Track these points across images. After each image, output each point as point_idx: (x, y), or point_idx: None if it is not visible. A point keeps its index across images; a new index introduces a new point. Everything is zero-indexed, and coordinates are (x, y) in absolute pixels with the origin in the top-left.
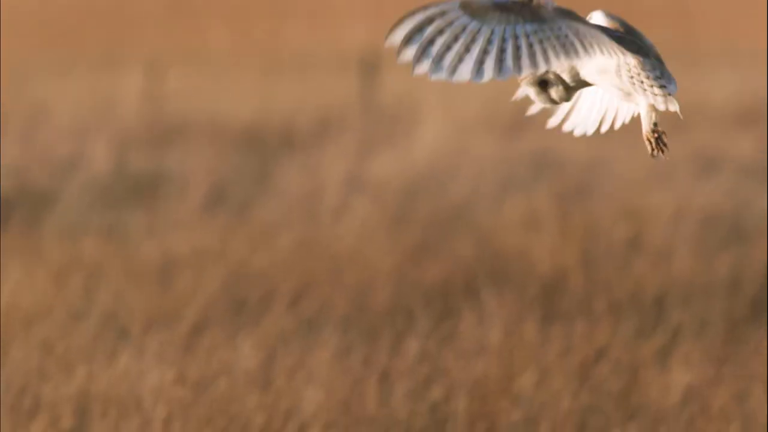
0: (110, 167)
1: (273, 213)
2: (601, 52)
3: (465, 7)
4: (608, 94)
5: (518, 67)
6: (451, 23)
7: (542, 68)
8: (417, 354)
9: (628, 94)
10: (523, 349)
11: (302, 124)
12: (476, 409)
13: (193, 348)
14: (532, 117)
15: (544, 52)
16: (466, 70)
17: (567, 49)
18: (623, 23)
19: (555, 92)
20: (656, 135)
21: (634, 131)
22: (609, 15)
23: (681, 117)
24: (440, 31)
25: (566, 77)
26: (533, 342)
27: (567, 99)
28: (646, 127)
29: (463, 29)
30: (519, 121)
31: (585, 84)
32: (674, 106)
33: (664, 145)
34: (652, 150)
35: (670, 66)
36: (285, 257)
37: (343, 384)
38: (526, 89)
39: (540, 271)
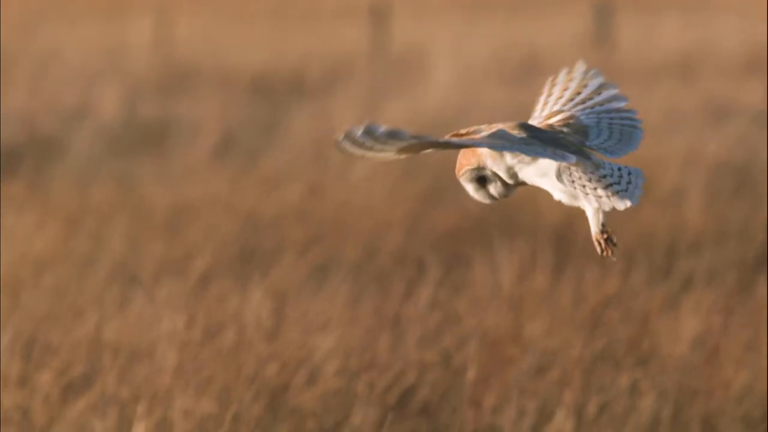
0: (120, 115)
1: (283, 161)
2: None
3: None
4: (554, 194)
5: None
6: None
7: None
8: (428, 301)
9: (571, 199)
10: (534, 296)
11: (312, 71)
12: (487, 356)
13: (204, 295)
14: (542, 64)
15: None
16: None
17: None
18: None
19: (494, 188)
20: (605, 236)
21: (645, 79)
22: (517, 126)
23: (631, 206)
24: None
25: (504, 176)
26: (544, 289)
27: (506, 195)
28: (594, 229)
29: None
30: (529, 69)
31: (523, 182)
32: (622, 204)
33: (614, 245)
34: (602, 251)
35: (677, 16)
36: (295, 205)
37: (354, 332)
38: (465, 185)
39: (550, 218)
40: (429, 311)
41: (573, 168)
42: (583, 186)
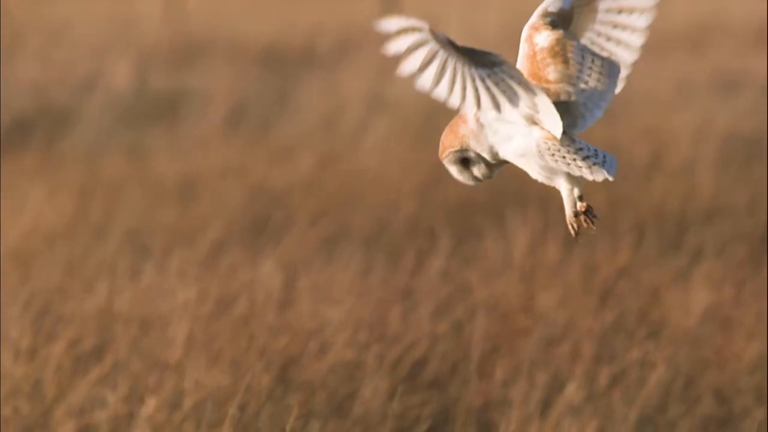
0: (131, 86)
1: (294, 132)
2: (537, 108)
3: (433, 34)
4: (531, 174)
5: (478, 104)
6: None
7: (503, 109)
8: (439, 273)
9: (549, 177)
10: (545, 268)
11: (323, 43)
12: (498, 327)
13: (215, 266)
14: None
15: (503, 94)
16: (441, 90)
17: (517, 93)
18: None
19: (477, 170)
20: (584, 209)
21: (656, 51)
22: None
23: (611, 180)
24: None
25: (486, 156)
26: (555, 261)
27: (490, 176)
28: (568, 211)
29: (436, 54)
30: None
31: (506, 161)
32: (601, 175)
33: (594, 216)
34: (576, 234)
35: None
36: (306, 176)
37: (364, 303)
38: (449, 167)
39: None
40: (440, 283)
41: (551, 142)
42: (564, 157)
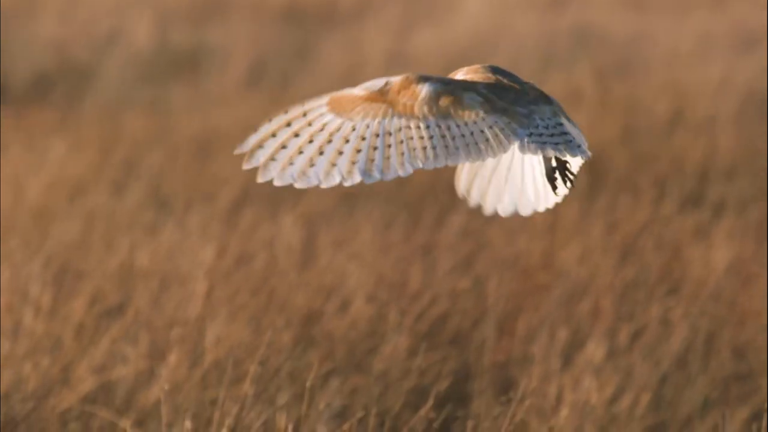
0: (152, 42)
1: (314, 88)
2: (471, 153)
3: (332, 104)
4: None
5: (377, 171)
6: (310, 124)
7: (400, 174)
8: (460, 229)
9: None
10: (566, 224)
11: None
12: (519, 284)
13: (235, 223)
14: None
15: (406, 155)
16: (314, 174)
17: (437, 151)
18: (504, 74)
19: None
20: (561, 172)
21: (677, 7)
22: (487, 69)
23: (589, 156)
24: (295, 135)
25: None
26: (576, 217)
27: None
28: (545, 169)
29: (322, 129)
30: None
31: None
32: (576, 154)
33: (572, 179)
34: (554, 189)
35: None
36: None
37: (385, 260)
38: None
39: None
40: (461, 239)
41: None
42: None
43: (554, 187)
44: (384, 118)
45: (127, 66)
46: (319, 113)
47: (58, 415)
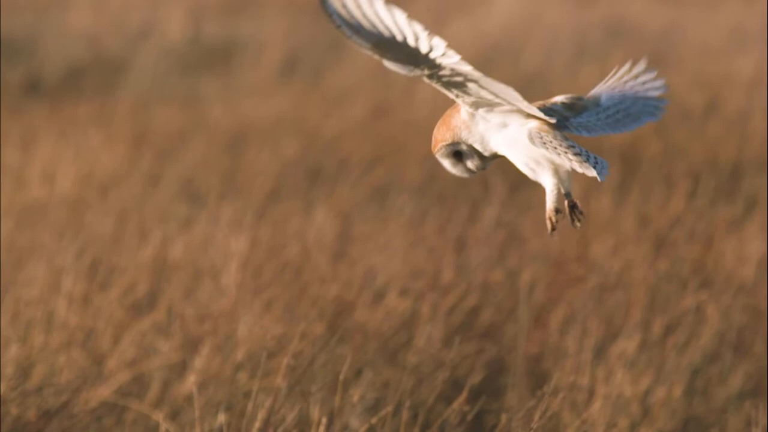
0: (185, 35)
1: (347, 80)
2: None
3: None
4: (518, 165)
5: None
6: None
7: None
8: (493, 222)
9: (534, 170)
10: (599, 217)
11: None
12: (552, 276)
13: (268, 215)
14: None
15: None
16: None
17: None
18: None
19: (471, 162)
20: (571, 204)
21: None
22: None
23: (601, 180)
24: None
25: (478, 147)
26: (609, 210)
27: (483, 167)
28: (549, 205)
29: None
30: None
31: (497, 154)
32: (592, 172)
33: (581, 213)
34: (552, 229)
35: None
36: (359, 125)
37: (418, 252)
38: (442, 161)
39: (614, 139)
40: (493, 231)
41: (544, 133)
42: (555, 148)
43: (553, 228)
44: None
45: (160, 59)
46: None
47: (91, 409)
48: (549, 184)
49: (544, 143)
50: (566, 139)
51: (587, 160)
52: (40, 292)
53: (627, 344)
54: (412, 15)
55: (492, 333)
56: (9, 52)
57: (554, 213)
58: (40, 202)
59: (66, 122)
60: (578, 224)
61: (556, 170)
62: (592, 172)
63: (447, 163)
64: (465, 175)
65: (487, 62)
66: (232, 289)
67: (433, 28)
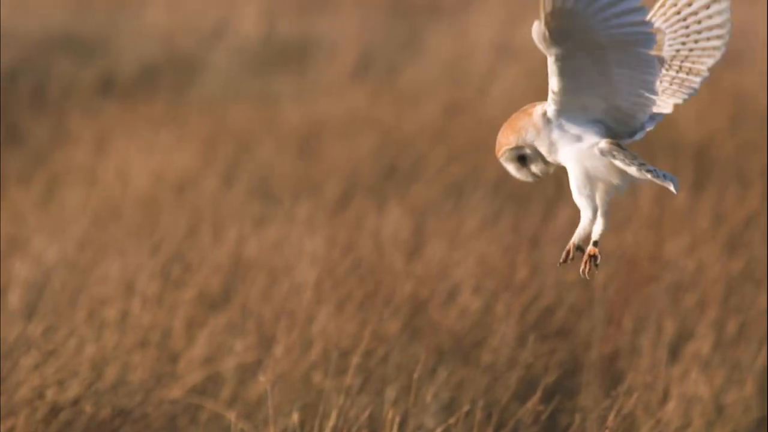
0: (259, 33)
1: (421, 79)
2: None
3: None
4: (571, 183)
5: None
6: None
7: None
8: (567, 220)
9: (582, 194)
10: (673, 215)
11: None
12: (626, 275)
13: (342, 214)
14: None
15: None
16: None
17: None
18: None
19: (535, 166)
20: (591, 255)
21: None
22: None
23: (675, 193)
24: None
25: (544, 152)
26: (683, 209)
27: (548, 172)
28: (574, 239)
29: None
30: None
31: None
32: (669, 184)
33: (596, 265)
34: (564, 261)
35: None
36: (433, 123)
37: (493, 250)
38: (505, 165)
39: (689, 137)
40: (568, 230)
41: (615, 152)
42: (632, 161)
43: (571, 256)
44: None
45: (234, 57)
46: None
47: (165, 408)
48: (585, 218)
49: (618, 159)
50: (636, 156)
51: (657, 175)
52: (114, 291)
53: (701, 344)
54: (487, 11)
55: (566, 332)
56: (83, 52)
57: (574, 248)
58: (115, 201)
59: (140, 121)
60: (586, 276)
61: (598, 208)
62: (669, 185)
63: (511, 168)
64: (529, 179)
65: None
66: (307, 287)
67: (508, 26)
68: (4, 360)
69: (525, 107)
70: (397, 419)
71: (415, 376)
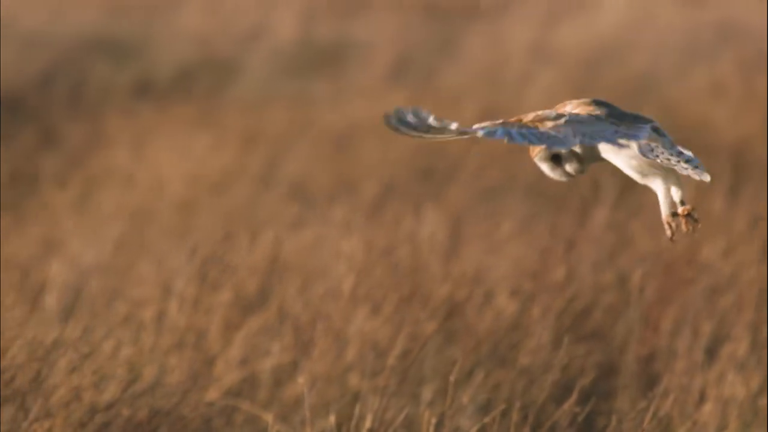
0: (295, 36)
1: (457, 81)
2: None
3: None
4: (625, 170)
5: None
6: None
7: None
8: (603, 223)
9: (644, 175)
10: (710, 218)
11: None
12: (662, 278)
13: (379, 216)
14: None
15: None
16: None
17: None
18: (611, 109)
19: (569, 166)
20: (686, 212)
21: None
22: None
23: (708, 182)
24: None
25: (579, 150)
26: (720, 211)
27: (582, 171)
28: (665, 211)
29: None
30: None
31: (598, 156)
32: (706, 177)
33: (695, 220)
34: (672, 234)
35: None
36: (470, 125)
37: (529, 253)
38: (540, 165)
39: (725, 140)
40: (604, 233)
41: (654, 144)
42: (668, 159)
43: (673, 233)
44: None
45: (270, 60)
46: None
47: (202, 410)
48: (660, 189)
49: (657, 156)
50: (674, 145)
51: (696, 162)
52: (151, 293)
53: (738, 346)
54: (524, 15)
55: (602, 334)
56: (119, 54)
57: (671, 217)
58: (151, 203)
59: (176, 124)
60: (693, 232)
61: (666, 176)
62: (706, 177)
63: (545, 167)
64: (563, 179)
65: (597, 63)
66: (343, 290)
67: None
68: (41, 362)
69: (557, 106)
70: (434, 421)
71: (452, 378)
